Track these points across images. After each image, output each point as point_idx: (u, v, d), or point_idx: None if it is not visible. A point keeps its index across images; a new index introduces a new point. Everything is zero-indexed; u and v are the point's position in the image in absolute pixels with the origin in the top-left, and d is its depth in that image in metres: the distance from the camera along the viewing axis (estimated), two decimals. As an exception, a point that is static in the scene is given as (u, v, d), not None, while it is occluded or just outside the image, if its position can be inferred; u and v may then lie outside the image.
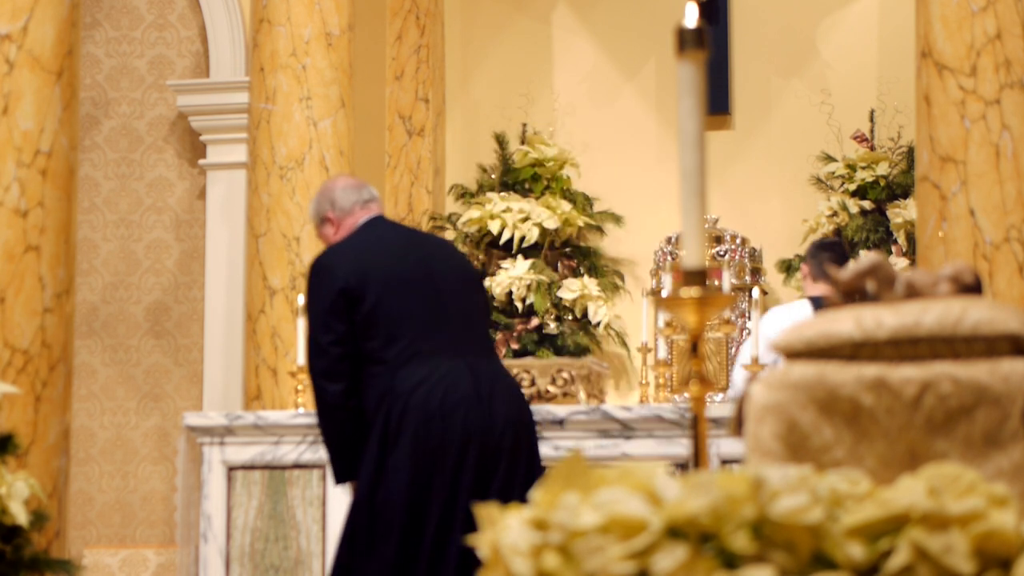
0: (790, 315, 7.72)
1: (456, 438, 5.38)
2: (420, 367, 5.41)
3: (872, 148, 10.67)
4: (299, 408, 7.66)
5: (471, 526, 5.17)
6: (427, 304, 5.52)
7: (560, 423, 7.09)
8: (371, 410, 5.42)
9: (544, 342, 10.63)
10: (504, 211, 10.69)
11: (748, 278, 10.51)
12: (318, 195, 5.84)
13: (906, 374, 2.94)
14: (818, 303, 7.47)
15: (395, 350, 5.42)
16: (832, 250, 7.79)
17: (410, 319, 5.47)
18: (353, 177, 5.99)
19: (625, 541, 2.27)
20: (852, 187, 10.54)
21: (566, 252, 10.92)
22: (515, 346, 10.58)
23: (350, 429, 5.46)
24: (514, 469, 5.46)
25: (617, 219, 10.93)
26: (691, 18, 2.83)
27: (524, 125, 11.17)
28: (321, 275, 5.52)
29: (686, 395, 9.59)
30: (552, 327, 10.65)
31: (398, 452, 5.37)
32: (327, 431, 5.51)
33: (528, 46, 11.32)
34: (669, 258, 10.60)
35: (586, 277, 10.76)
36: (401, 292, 5.49)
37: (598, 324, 10.66)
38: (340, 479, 5.54)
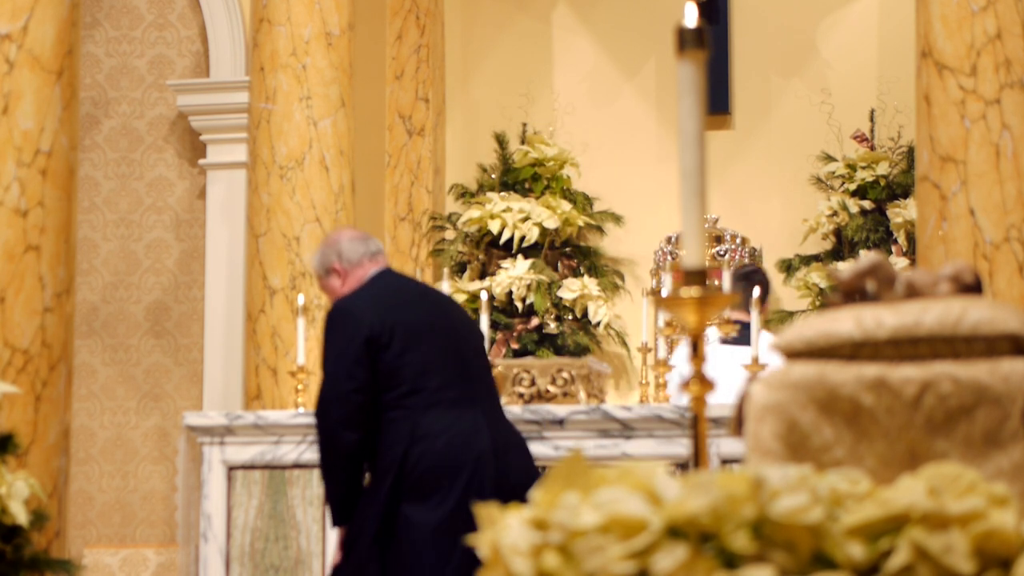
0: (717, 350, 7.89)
1: (478, 488, 5.42)
2: (443, 416, 5.45)
3: (872, 148, 10.66)
4: (299, 408, 7.66)
5: None
6: (446, 355, 5.59)
7: (560, 423, 7.09)
8: (385, 454, 5.44)
9: (544, 342, 10.63)
10: (504, 211, 10.69)
11: (748, 278, 10.50)
12: (323, 247, 5.85)
13: (906, 374, 2.94)
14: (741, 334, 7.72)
15: (418, 398, 5.48)
16: (750, 279, 7.97)
17: (433, 369, 5.53)
18: (358, 229, 6.08)
19: (625, 541, 2.27)
20: (852, 187, 10.54)
21: (566, 252, 10.92)
22: (515, 346, 10.58)
23: (358, 476, 5.51)
24: None
25: (617, 219, 10.92)
26: (691, 18, 2.83)
27: (524, 125, 11.17)
28: (345, 323, 5.53)
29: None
30: (552, 327, 10.64)
31: (419, 499, 5.39)
32: (336, 477, 5.52)
33: (528, 46, 11.32)
34: (669, 258, 10.60)
35: (586, 277, 10.75)
36: (423, 343, 5.55)
37: (598, 324, 10.65)
38: (341, 522, 5.57)
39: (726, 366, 7.58)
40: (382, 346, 5.47)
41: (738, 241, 10.62)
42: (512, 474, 5.52)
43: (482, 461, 5.45)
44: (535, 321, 10.64)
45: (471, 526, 5.37)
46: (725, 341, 7.91)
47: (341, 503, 5.53)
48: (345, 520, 5.54)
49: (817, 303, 10.25)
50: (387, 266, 5.82)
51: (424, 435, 5.40)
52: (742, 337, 7.70)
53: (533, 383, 7.43)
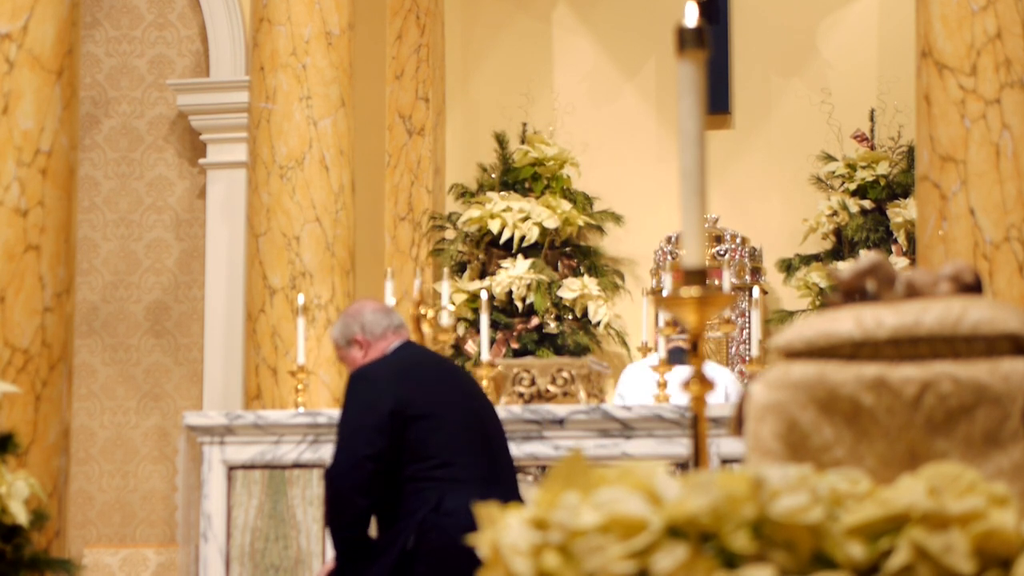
0: (643, 372, 7.98)
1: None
2: (471, 492, 5.38)
3: (872, 147, 10.67)
4: (299, 408, 7.66)
5: None
6: (471, 431, 5.59)
7: (560, 423, 7.09)
8: (408, 517, 5.42)
9: (544, 341, 10.63)
10: (504, 210, 10.69)
11: (748, 277, 10.51)
12: (345, 318, 5.84)
13: (906, 374, 2.94)
14: (675, 354, 7.85)
15: (447, 471, 5.47)
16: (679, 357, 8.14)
17: (460, 444, 5.52)
18: (379, 302, 6.06)
19: (625, 541, 2.27)
20: (852, 186, 10.54)
21: (566, 251, 10.92)
22: (515, 345, 10.58)
23: (366, 538, 5.51)
24: None
25: (617, 218, 10.93)
26: (691, 17, 2.83)
27: (524, 124, 11.18)
28: (369, 388, 5.52)
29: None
30: (552, 326, 10.65)
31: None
32: (345, 540, 5.50)
33: (528, 45, 11.32)
34: (669, 257, 10.60)
35: (586, 276, 10.76)
36: (451, 416, 5.55)
37: (598, 323, 10.65)
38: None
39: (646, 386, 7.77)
40: (409, 417, 5.46)
41: (738, 241, 10.63)
42: None
43: None
44: (535, 321, 10.65)
45: None
46: (673, 357, 7.99)
47: (345, 562, 5.53)
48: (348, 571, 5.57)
49: (817, 303, 10.25)
50: (409, 339, 5.82)
51: (451, 510, 5.38)
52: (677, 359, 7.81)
53: (533, 383, 7.43)
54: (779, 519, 2.28)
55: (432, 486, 5.43)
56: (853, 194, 10.53)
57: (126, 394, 10.14)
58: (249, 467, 7.37)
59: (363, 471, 5.42)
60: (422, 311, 7.83)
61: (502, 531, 2.35)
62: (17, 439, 5.54)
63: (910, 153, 10.43)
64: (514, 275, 10.57)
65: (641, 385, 8.12)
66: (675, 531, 2.28)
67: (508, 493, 5.53)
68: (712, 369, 7.76)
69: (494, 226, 10.68)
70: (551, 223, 10.67)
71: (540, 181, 10.92)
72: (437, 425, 5.49)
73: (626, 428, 7.04)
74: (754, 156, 10.93)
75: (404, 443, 5.44)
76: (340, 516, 5.47)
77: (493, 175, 11.09)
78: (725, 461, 6.83)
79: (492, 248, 10.87)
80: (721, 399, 7.68)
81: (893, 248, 10.39)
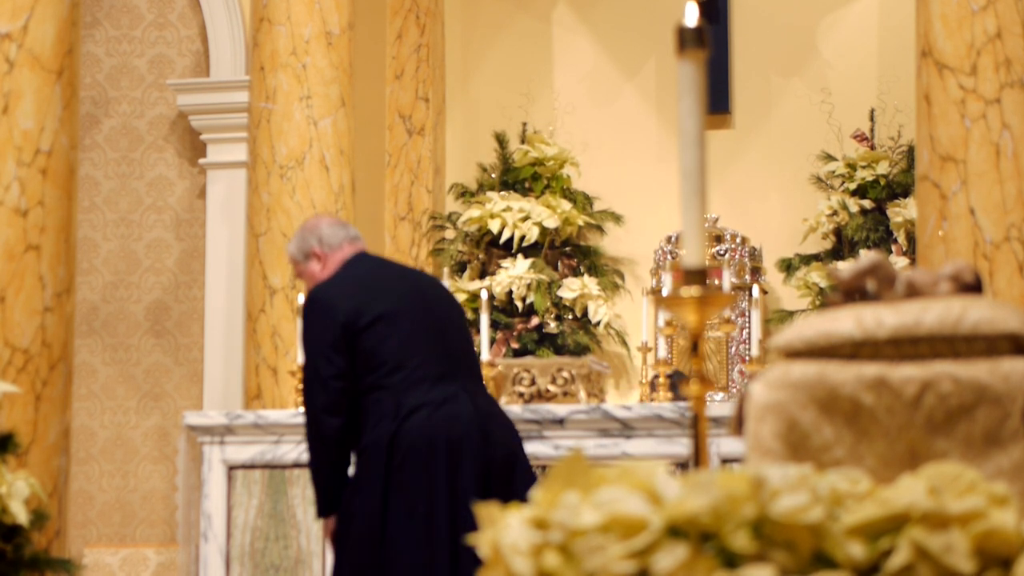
0: None
1: (464, 462, 5.43)
2: (426, 392, 5.47)
3: (872, 147, 10.66)
4: (299, 407, 7.66)
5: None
6: (426, 333, 5.61)
7: (560, 422, 7.09)
8: (371, 432, 5.45)
9: (544, 341, 10.63)
10: (504, 210, 10.69)
11: (748, 277, 10.51)
12: (302, 232, 5.88)
13: (906, 373, 2.94)
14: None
15: (399, 377, 5.50)
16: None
17: (413, 347, 5.55)
18: (335, 216, 6.10)
19: (625, 540, 2.27)
20: (852, 186, 10.54)
21: (566, 251, 10.92)
22: (515, 345, 10.58)
23: (342, 463, 5.54)
24: (511, 492, 5.50)
25: (617, 218, 10.92)
26: (691, 17, 2.83)
27: (524, 124, 11.17)
28: (320, 310, 5.58)
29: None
30: (552, 326, 10.64)
31: (409, 480, 5.39)
32: (321, 464, 5.55)
33: (528, 45, 11.32)
34: (669, 257, 10.60)
35: (586, 276, 10.75)
36: (401, 323, 5.57)
37: (598, 323, 10.65)
38: (327, 512, 5.58)
39: None
40: (359, 329, 5.51)
41: (738, 240, 10.62)
42: (495, 446, 5.52)
43: (467, 435, 5.45)
44: (535, 321, 10.64)
45: (462, 504, 5.39)
46: None
47: (327, 491, 5.54)
48: (331, 510, 5.55)
49: (817, 303, 10.25)
50: (364, 250, 5.85)
51: (409, 411, 5.43)
52: None
53: (533, 382, 7.43)
54: (779, 519, 2.28)
55: (387, 395, 5.46)
56: (853, 194, 10.53)
57: (126, 394, 10.14)
58: (249, 467, 7.37)
59: (329, 391, 5.47)
60: (422, 311, 7.82)
61: (502, 531, 2.35)
62: (17, 439, 5.55)
63: (910, 153, 10.42)
64: (514, 275, 10.57)
65: None
66: (675, 531, 2.28)
67: (468, 391, 5.56)
68: None
69: (494, 226, 10.68)
70: (551, 223, 10.67)
71: (540, 181, 10.92)
72: (387, 332, 5.53)
73: (626, 428, 7.04)
74: (754, 156, 10.93)
75: (358, 355, 5.49)
76: (317, 441, 5.50)
77: (493, 175, 11.08)
78: (725, 461, 6.83)
79: (492, 248, 10.87)
80: None
81: (893, 248, 10.39)
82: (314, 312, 5.59)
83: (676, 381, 8.16)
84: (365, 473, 5.47)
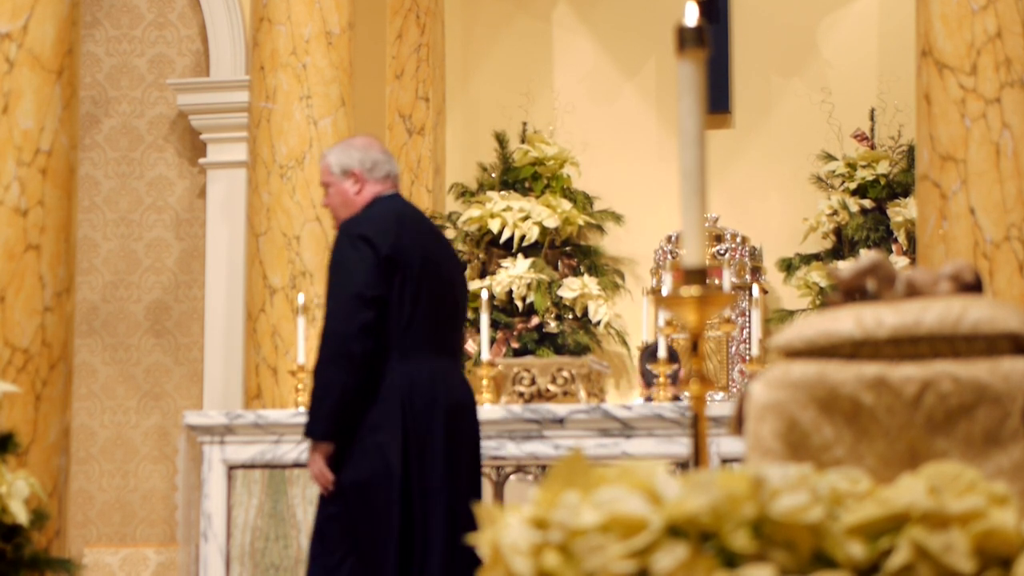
0: None
1: (457, 438, 5.40)
2: (428, 362, 5.35)
3: (872, 147, 10.67)
4: (299, 407, 7.66)
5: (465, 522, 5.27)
6: (440, 297, 5.45)
7: (560, 422, 7.09)
8: (385, 386, 5.30)
9: (544, 341, 10.63)
10: (504, 210, 10.69)
11: (748, 277, 10.52)
12: (348, 148, 5.54)
13: (906, 373, 2.94)
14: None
15: (410, 333, 5.32)
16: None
17: (427, 309, 5.38)
18: (385, 147, 5.75)
19: (625, 540, 2.27)
20: (852, 186, 10.54)
21: (566, 251, 10.92)
22: (515, 345, 10.58)
23: (359, 391, 5.24)
24: (474, 475, 5.50)
25: (617, 218, 10.93)
26: (691, 17, 2.83)
27: (524, 124, 11.18)
28: (369, 237, 5.27)
29: (686, 393, 9.61)
30: (552, 326, 10.65)
31: (421, 439, 5.33)
32: (338, 384, 5.20)
33: (528, 45, 11.32)
34: (669, 257, 10.60)
35: (586, 276, 10.76)
36: (428, 284, 5.38)
37: (598, 323, 10.66)
38: (327, 436, 5.26)
39: None
40: (396, 268, 5.26)
41: (738, 240, 10.63)
42: (459, 434, 5.44)
43: (460, 410, 5.40)
44: (535, 320, 10.64)
45: (460, 480, 5.35)
46: None
47: (334, 413, 5.21)
48: (325, 436, 5.25)
49: (817, 302, 10.25)
50: (398, 191, 5.56)
51: (413, 376, 5.27)
52: None
53: (533, 382, 7.43)
54: (779, 518, 2.28)
55: (396, 355, 5.26)
56: (853, 193, 10.53)
57: (126, 394, 10.14)
58: (249, 467, 7.37)
59: (370, 311, 5.19)
60: (422, 310, 7.82)
61: (502, 530, 2.35)
62: (17, 439, 5.54)
63: (910, 152, 10.43)
64: (514, 274, 10.57)
65: None
66: (675, 530, 2.28)
67: (455, 368, 5.46)
68: None
69: (494, 225, 10.68)
70: (551, 222, 10.67)
71: (540, 180, 10.92)
72: (415, 288, 5.30)
73: (626, 427, 7.04)
74: (754, 156, 10.93)
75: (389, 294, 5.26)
76: (345, 358, 5.18)
77: (493, 175, 11.09)
78: (725, 460, 6.83)
79: (492, 247, 10.87)
80: None
81: (893, 247, 10.39)
82: (357, 239, 5.27)
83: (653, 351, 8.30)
84: (385, 422, 5.25)
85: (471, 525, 5.27)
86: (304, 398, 7.77)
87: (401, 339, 5.32)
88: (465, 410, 5.47)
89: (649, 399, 8.27)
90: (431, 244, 5.50)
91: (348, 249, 5.29)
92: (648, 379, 8.39)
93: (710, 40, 2.85)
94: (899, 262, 10.16)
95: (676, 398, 7.73)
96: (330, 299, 5.30)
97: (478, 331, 7.95)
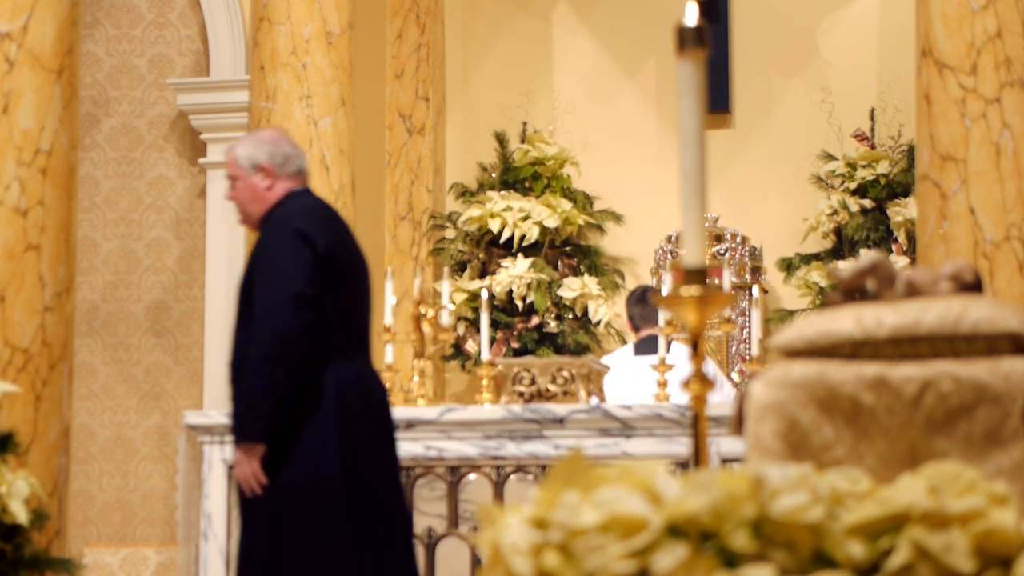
0: (617, 364, 8.10)
1: (372, 442, 5.43)
2: (351, 363, 5.34)
3: (872, 147, 10.67)
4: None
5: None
6: (361, 296, 5.47)
7: (560, 422, 7.09)
8: (321, 399, 5.29)
9: (544, 341, 10.63)
10: (504, 210, 10.69)
11: (748, 276, 10.51)
12: (258, 141, 5.48)
13: (906, 373, 2.94)
14: (648, 344, 8.01)
15: (340, 336, 5.32)
16: (645, 299, 8.33)
17: (350, 309, 5.40)
18: (293, 140, 5.67)
19: (625, 540, 2.27)
20: (852, 186, 10.54)
21: (566, 251, 10.92)
22: (515, 345, 10.58)
23: (292, 393, 5.22)
24: (396, 470, 5.57)
25: (617, 218, 10.93)
26: (691, 17, 2.83)
27: (524, 124, 11.17)
28: (302, 235, 5.23)
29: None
30: (552, 326, 10.65)
31: (355, 442, 5.34)
32: (275, 385, 5.17)
33: (528, 45, 11.32)
34: (669, 257, 10.60)
35: (586, 276, 10.76)
36: (348, 281, 5.38)
37: (598, 323, 10.66)
38: (261, 438, 5.23)
39: (638, 374, 7.91)
40: (329, 269, 5.24)
41: (738, 240, 10.63)
42: (385, 431, 5.46)
43: (376, 414, 5.42)
44: (535, 320, 10.64)
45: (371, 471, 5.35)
46: (639, 352, 8.11)
47: (270, 416, 5.18)
48: (260, 438, 5.21)
49: (817, 302, 10.25)
50: (308, 186, 5.50)
51: (342, 378, 5.28)
52: (651, 348, 7.87)
53: (533, 382, 7.43)
54: (779, 518, 2.28)
55: (324, 353, 5.24)
56: (853, 193, 10.53)
57: (126, 394, 10.14)
58: (249, 466, 7.36)
59: (311, 312, 5.15)
60: (422, 310, 7.83)
61: (502, 530, 2.35)
62: (17, 439, 5.54)
63: (910, 152, 10.43)
64: (514, 274, 10.57)
65: (630, 380, 8.18)
66: (675, 530, 2.28)
67: (370, 363, 5.48)
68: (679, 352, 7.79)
69: (494, 225, 10.68)
70: (551, 222, 10.67)
71: (540, 180, 10.92)
72: (344, 284, 5.28)
73: (626, 427, 7.04)
74: (754, 155, 10.93)
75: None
76: (286, 358, 5.16)
77: (493, 174, 11.09)
78: (725, 460, 6.83)
79: (492, 247, 10.87)
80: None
81: (893, 247, 10.39)
82: (295, 236, 5.22)
83: (645, 293, 8.30)
84: (321, 422, 5.24)
85: (407, 520, 5.47)
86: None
87: (334, 339, 5.31)
88: (386, 408, 5.52)
89: (639, 344, 8.29)
90: (350, 242, 5.48)
91: (284, 244, 5.24)
92: (636, 323, 8.42)
93: (710, 40, 2.85)
94: (899, 262, 10.16)
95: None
96: (267, 296, 5.25)
97: (478, 331, 7.95)
